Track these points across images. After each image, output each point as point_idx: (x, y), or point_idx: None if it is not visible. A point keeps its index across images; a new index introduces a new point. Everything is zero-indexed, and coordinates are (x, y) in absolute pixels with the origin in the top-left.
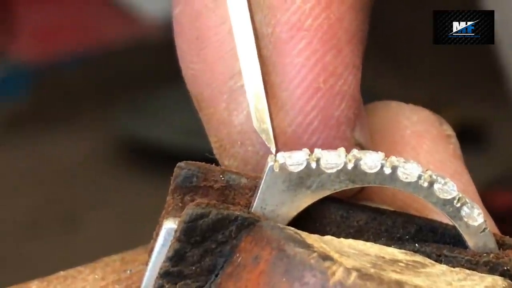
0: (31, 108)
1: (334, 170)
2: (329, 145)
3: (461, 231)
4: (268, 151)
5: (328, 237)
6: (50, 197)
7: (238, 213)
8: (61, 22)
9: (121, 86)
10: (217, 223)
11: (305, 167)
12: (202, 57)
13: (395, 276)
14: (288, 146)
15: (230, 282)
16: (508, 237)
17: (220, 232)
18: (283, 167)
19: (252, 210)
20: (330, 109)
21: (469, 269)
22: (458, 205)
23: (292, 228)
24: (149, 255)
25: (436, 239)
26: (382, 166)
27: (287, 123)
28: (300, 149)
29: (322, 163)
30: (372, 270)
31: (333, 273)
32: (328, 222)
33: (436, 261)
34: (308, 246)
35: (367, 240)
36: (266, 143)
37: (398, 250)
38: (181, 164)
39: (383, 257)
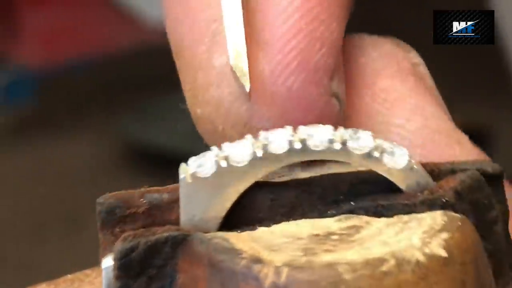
0: (36, 113)
1: (242, 165)
2: (305, 90)
3: (390, 179)
4: (244, 92)
5: (259, 231)
6: (53, 199)
7: (167, 234)
8: (64, 27)
9: (125, 91)
10: (149, 251)
11: (216, 170)
12: (186, 1)
13: (327, 257)
14: (264, 87)
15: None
16: (443, 162)
17: (156, 257)
18: (195, 176)
19: (181, 225)
20: (309, 52)
21: (408, 213)
22: (378, 155)
23: (221, 234)
24: None
25: (371, 189)
26: (290, 143)
27: (266, 62)
28: (276, 90)
29: (231, 160)
30: (304, 259)
31: (266, 276)
32: (260, 208)
33: (375, 213)
34: (237, 253)
35: (302, 214)
36: (241, 80)
37: (333, 218)
38: (100, 200)
39: (317, 235)
